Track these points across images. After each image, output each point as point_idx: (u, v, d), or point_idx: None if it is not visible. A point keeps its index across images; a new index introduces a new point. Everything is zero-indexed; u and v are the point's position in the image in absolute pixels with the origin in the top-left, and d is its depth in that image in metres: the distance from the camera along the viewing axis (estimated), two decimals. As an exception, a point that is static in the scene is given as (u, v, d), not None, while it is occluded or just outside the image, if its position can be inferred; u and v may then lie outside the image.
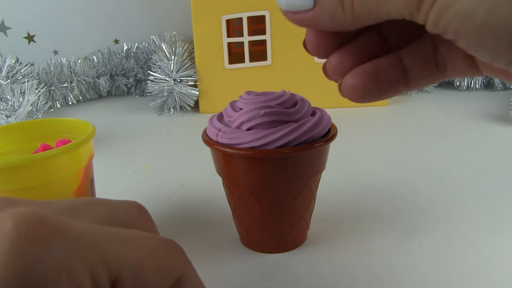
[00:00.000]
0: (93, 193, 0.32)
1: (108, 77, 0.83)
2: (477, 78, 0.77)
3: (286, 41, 0.68)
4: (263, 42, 0.69)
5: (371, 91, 0.20)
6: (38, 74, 0.74)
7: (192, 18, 0.67)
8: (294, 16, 0.19)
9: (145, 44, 0.85)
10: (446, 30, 0.16)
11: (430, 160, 0.49)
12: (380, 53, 0.21)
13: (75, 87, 0.78)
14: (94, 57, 0.81)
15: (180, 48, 0.72)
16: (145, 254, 0.16)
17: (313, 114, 0.30)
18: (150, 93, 0.71)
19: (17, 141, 0.34)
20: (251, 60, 0.69)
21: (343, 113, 0.66)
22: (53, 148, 0.31)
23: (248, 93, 0.31)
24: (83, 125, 0.33)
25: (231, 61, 0.69)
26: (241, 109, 0.30)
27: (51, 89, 0.76)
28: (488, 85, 0.79)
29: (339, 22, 0.18)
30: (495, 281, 0.29)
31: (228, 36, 0.68)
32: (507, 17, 0.14)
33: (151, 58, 0.80)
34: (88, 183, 0.31)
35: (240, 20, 0.67)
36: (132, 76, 0.85)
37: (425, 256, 0.31)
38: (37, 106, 0.64)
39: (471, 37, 0.15)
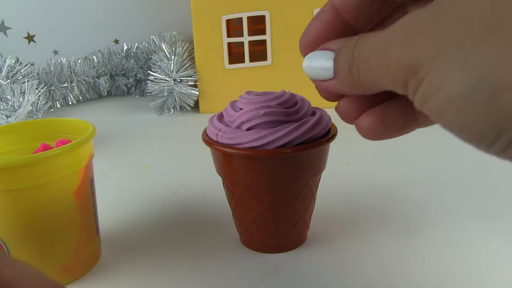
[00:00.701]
0: (93, 193, 0.32)
1: (108, 77, 0.83)
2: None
3: (286, 41, 0.68)
4: (263, 42, 0.69)
5: (381, 132, 0.23)
6: (38, 74, 0.74)
7: (192, 18, 0.67)
8: (320, 83, 0.23)
9: (145, 44, 0.85)
10: (429, 115, 0.17)
11: (430, 160, 0.49)
12: (392, 95, 0.23)
13: (75, 87, 0.78)
14: (94, 57, 0.81)
15: (180, 48, 0.72)
16: None
17: (313, 114, 0.30)
18: (150, 93, 0.71)
19: (17, 141, 0.34)
20: (251, 60, 0.69)
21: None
22: (53, 148, 0.31)
23: (248, 93, 0.31)
24: (83, 125, 0.33)
25: (231, 61, 0.69)
26: (241, 109, 0.30)
27: (51, 89, 0.76)
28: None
29: (354, 89, 0.21)
30: (495, 281, 0.29)
31: (228, 36, 0.68)
32: (472, 119, 0.16)
33: (151, 58, 0.80)
34: (88, 183, 0.31)
35: (240, 20, 0.67)
36: (132, 76, 0.85)
37: (425, 256, 0.31)
38: (37, 106, 0.64)
39: (450, 129, 0.17)
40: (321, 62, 0.22)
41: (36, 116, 0.63)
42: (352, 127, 0.25)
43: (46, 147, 0.31)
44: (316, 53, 0.23)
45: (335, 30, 0.23)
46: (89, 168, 0.31)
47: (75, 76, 0.78)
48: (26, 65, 0.72)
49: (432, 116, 0.17)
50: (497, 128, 0.15)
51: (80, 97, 0.80)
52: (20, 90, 0.62)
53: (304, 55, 0.24)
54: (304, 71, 0.23)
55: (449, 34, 0.16)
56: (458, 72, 0.16)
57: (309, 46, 0.23)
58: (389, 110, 0.23)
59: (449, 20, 0.16)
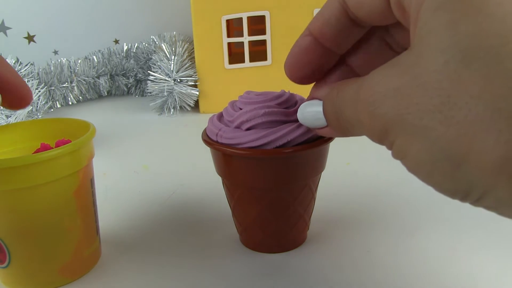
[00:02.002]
0: (93, 193, 0.32)
1: (108, 77, 0.83)
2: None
3: (286, 41, 0.68)
4: (263, 42, 0.69)
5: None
6: (38, 74, 0.74)
7: (192, 18, 0.67)
8: (316, 131, 0.25)
9: (145, 44, 0.85)
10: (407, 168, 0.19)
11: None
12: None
13: (75, 87, 0.78)
14: (94, 57, 0.81)
15: (180, 48, 0.72)
16: None
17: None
18: (150, 93, 0.71)
19: (17, 140, 0.34)
20: (251, 60, 0.69)
21: (343, 113, 0.66)
22: (53, 148, 0.31)
23: (248, 93, 0.31)
24: (83, 125, 0.33)
25: (231, 61, 0.69)
26: (241, 109, 0.30)
27: (51, 89, 0.76)
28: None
29: (346, 134, 0.23)
30: (495, 281, 0.29)
31: (228, 36, 0.68)
32: (441, 181, 0.17)
33: (151, 58, 0.80)
34: (88, 183, 0.31)
35: (240, 20, 0.67)
36: (132, 76, 0.85)
37: (425, 256, 0.31)
38: (37, 106, 0.64)
39: (426, 183, 0.18)
40: (312, 111, 0.24)
41: (36, 116, 0.63)
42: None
43: (46, 147, 0.31)
44: (306, 104, 0.25)
45: (315, 55, 0.24)
46: (89, 168, 0.31)
47: (75, 76, 0.78)
48: (26, 65, 0.72)
49: (409, 170, 0.18)
50: (464, 190, 0.16)
51: (80, 97, 0.80)
52: (20, 90, 0.62)
53: (289, 78, 0.26)
54: (300, 121, 0.26)
55: (411, 102, 0.17)
56: (421, 142, 0.17)
57: (292, 70, 0.26)
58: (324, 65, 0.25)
59: (412, 86, 0.17)
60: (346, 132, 0.23)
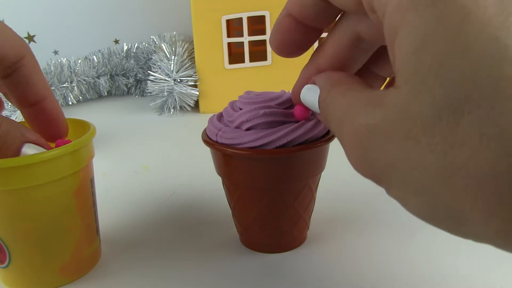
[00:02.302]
0: (93, 193, 0.32)
1: (108, 77, 0.83)
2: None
3: (286, 41, 0.68)
4: (263, 42, 0.69)
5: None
6: (38, 74, 0.74)
7: (192, 18, 0.67)
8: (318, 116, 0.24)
9: (145, 44, 0.85)
10: None
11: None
12: None
13: (75, 87, 0.78)
14: (94, 57, 0.81)
15: (180, 48, 0.72)
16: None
17: (313, 114, 0.30)
18: (150, 93, 0.71)
19: None
20: (251, 60, 0.69)
21: (343, 113, 0.66)
22: (53, 148, 0.31)
23: (248, 93, 0.31)
24: (83, 125, 0.33)
25: (231, 61, 0.69)
26: (241, 109, 0.30)
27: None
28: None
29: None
30: (495, 281, 0.29)
31: (228, 36, 0.68)
32: (446, 229, 0.17)
33: (151, 58, 0.80)
34: (88, 183, 0.31)
35: (240, 20, 0.67)
36: (132, 76, 0.85)
37: (425, 256, 0.31)
38: (37, 106, 0.64)
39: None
40: (310, 99, 0.23)
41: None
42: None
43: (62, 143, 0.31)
44: (307, 88, 0.24)
45: (299, 33, 0.24)
46: (89, 168, 0.31)
47: (75, 76, 0.78)
48: (26, 65, 0.72)
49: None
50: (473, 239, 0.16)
51: (80, 97, 0.80)
52: (20, 90, 0.62)
53: (278, 54, 0.25)
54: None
55: (400, 157, 0.16)
56: (420, 198, 0.16)
57: (278, 49, 0.25)
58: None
59: (401, 138, 0.16)
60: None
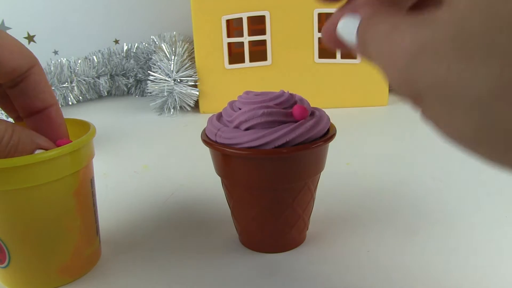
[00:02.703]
0: (93, 193, 0.32)
1: (108, 77, 0.83)
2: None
3: (286, 41, 0.68)
4: (263, 42, 0.69)
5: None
6: (38, 74, 0.74)
7: (192, 18, 0.67)
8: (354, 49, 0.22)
9: (145, 44, 0.85)
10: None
11: (430, 160, 0.49)
12: None
13: (75, 87, 0.78)
14: (94, 57, 0.81)
15: (180, 48, 0.72)
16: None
17: (312, 114, 0.30)
18: (150, 93, 0.71)
19: None
20: (251, 60, 0.69)
21: (343, 113, 0.66)
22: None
23: (247, 93, 0.31)
24: (83, 125, 0.33)
25: (231, 61, 0.69)
26: (240, 109, 0.30)
27: (51, 89, 0.76)
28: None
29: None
30: (495, 281, 0.29)
31: (228, 36, 0.68)
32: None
33: (151, 58, 0.80)
34: (88, 184, 0.31)
35: (240, 20, 0.67)
36: (132, 76, 0.85)
37: (425, 256, 0.31)
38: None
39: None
40: (347, 29, 0.21)
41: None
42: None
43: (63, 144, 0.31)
44: (345, 19, 0.21)
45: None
46: (89, 168, 0.31)
47: (75, 76, 0.78)
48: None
49: (448, 139, 0.17)
50: None
51: (80, 97, 0.80)
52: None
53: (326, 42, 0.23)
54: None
55: (451, 73, 0.15)
56: (466, 116, 0.15)
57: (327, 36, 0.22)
58: None
59: (453, 54, 0.15)
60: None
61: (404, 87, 0.17)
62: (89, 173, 0.31)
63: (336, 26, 0.22)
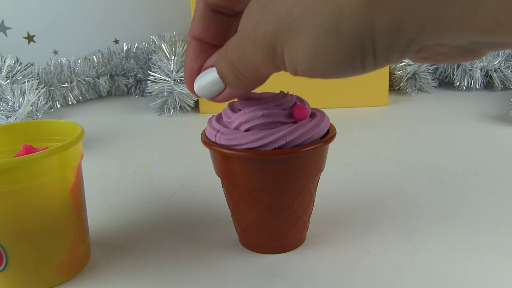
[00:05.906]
0: (83, 191, 0.32)
1: (108, 77, 0.83)
2: (477, 78, 0.77)
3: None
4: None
5: None
6: (38, 74, 0.74)
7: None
8: (218, 98, 0.26)
9: (145, 44, 0.85)
10: (305, 75, 0.21)
11: (430, 160, 0.48)
12: None
13: (75, 87, 0.78)
14: (94, 57, 0.81)
15: (180, 48, 0.72)
16: None
17: (312, 115, 0.30)
18: (150, 93, 0.71)
19: (1, 143, 0.33)
20: (251, 60, 0.69)
21: (343, 113, 0.66)
22: (35, 148, 0.31)
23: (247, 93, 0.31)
24: (71, 127, 0.32)
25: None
26: (240, 110, 0.30)
27: (51, 89, 0.76)
28: (488, 85, 0.79)
29: (247, 87, 0.25)
30: (495, 281, 0.29)
31: (228, 36, 0.68)
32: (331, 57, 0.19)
33: (151, 58, 0.80)
34: (81, 181, 0.31)
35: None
36: (132, 76, 0.85)
37: (425, 256, 0.31)
38: (37, 106, 0.64)
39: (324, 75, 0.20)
40: (207, 79, 0.25)
41: (36, 117, 0.63)
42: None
43: (28, 149, 0.31)
44: (200, 76, 0.26)
45: (208, 53, 0.26)
46: (80, 166, 0.31)
47: (75, 76, 0.78)
48: (26, 65, 0.72)
49: (308, 75, 0.20)
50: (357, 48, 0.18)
51: (80, 97, 0.80)
52: (20, 91, 0.62)
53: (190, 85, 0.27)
54: (199, 95, 0.26)
55: (281, 9, 0.19)
56: (308, 32, 0.18)
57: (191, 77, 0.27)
58: None
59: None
60: (246, 83, 0.24)
61: (263, 50, 0.20)
62: (81, 171, 0.32)
63: (194, 81, 0.27)
